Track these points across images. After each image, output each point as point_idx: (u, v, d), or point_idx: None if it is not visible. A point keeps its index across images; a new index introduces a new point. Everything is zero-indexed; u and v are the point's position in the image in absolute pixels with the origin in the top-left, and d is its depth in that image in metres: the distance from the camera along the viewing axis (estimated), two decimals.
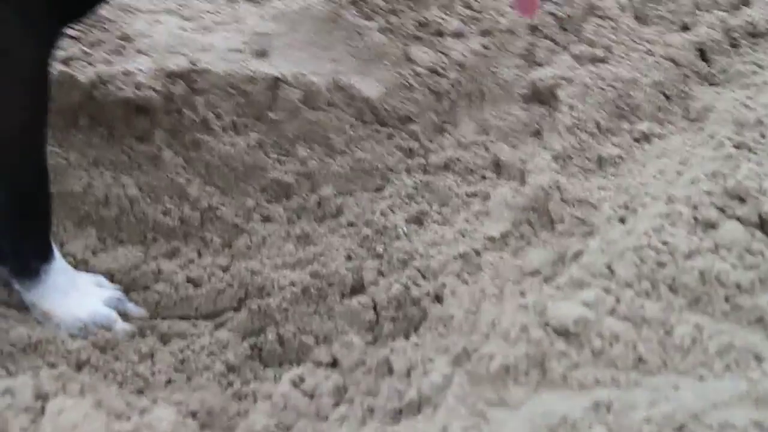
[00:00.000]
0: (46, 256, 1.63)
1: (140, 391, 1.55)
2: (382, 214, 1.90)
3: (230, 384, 1.60)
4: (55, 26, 1.52)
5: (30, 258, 1.61)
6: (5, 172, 1.55)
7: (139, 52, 2.12)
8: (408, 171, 2.01)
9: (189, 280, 1.78)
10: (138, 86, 1.96)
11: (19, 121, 1.52)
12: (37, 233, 1.62)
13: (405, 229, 1.87)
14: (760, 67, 1.94)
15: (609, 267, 1.52)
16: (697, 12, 2.17)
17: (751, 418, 1.28)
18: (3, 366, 1.51)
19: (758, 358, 1.37)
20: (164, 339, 1.68)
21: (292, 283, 1.74)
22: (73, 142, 1.89)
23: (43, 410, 1.22)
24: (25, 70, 1.50)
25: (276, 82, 2.03)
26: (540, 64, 2.14)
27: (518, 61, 2.15)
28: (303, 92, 2.03)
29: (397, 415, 1.40)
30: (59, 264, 1.65)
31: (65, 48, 2.05)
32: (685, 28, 2.15)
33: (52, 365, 1.52)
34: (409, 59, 2.12)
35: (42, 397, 1.25)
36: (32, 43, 1.49)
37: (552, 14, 2.16)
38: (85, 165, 1.89)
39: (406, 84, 2.10)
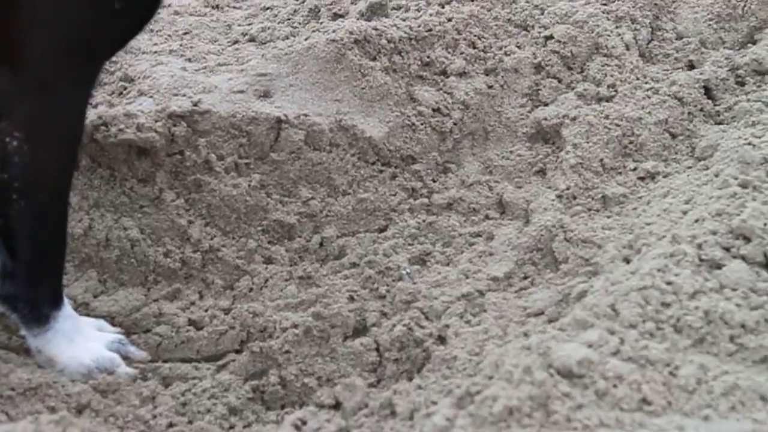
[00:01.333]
0: (57, 303, 1.63)
1: None
2: (385, 254, 1.90)
3: (232, 427, 1.60)
4: (95, 72, 1.54)
5: (42, 304, 1.61)
6: (42, 219, 1.56)
7: (141, 93, 2.13)
8: (411, 211, 2.01)
9: (191, 322, 1.79)
10: (140, 128, 1.96)
11: (62, 169, 1.55)
12: (52, 280, 1.62)
13: (408, 269, 1.87)
14: (766, 105, 1.94)
15: (613, 307, 1.52)
16: (703, 50, 2.18)
17: None
18: (3, 410, 1.51)
19: (764, 399, 1.37)
20: (166, 382, 1.68)
21: (295, 325, 1.73)
22: (75, 184, 1.88)
23: None
24: (74, 121, 1.52)
25: (279, 123, 2.03)
26: (545, 103, 2.14)
27: (522, 100, 2.15)
28: (306, 133, 2.03)
29: None
30: (67, 310, 1.65)
31: None
32: (691, 66, 2.16)
33: (53, 409, 1.52)
34: (413, 99, 2.13)
35: None
36: (83, 96, 1.51)
37: (556, 52, 2.17)
38: (86, 207, 1.90)
39: (410, 124, 2.10)
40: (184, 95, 2.10)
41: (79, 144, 1.56)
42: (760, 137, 1.82)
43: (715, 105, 2.05)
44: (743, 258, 1.57)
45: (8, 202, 1.52)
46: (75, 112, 1.51)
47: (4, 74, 1.43)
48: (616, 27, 2.19)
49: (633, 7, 2.24)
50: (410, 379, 1.65)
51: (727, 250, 1.58)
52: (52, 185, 1.55)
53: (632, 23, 2.22)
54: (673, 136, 2.01)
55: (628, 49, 2.17)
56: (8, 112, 1.45)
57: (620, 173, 1.97)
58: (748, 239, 1.59)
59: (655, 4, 2.25)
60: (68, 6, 1.39)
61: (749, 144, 1.81)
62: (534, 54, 2.19)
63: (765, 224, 1.59)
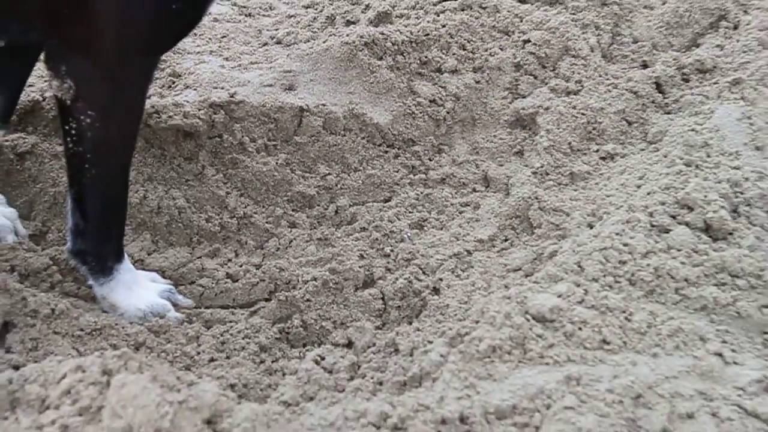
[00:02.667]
0: (119, 258, 1.63)
1: (188, 368, 1.55)
2: (389, 220, 1.91)
3: (262, 362, 1.61)
4: (154, 64, 1.54)
5: (107, 259, 1.62)
6: (109, 185, 1.56)
7: (187, 86, 2.13)
8: (411, 185, 2.02)
9: (227, 275, 1.79)
10: (186, 115, 1.96)
11: (127, 143, 1.54)
12: (115, 238, 1.62)
13: (409, 233, 1.88)
14: (707, 98, 1.94)
15: (579, 264, 1.52)
16: (655, 52, 2.17)
17: (696, 389, 1.29)
18: (74, 347, 1.52)
19: (702, 339, 1.38)
20: (207, 324, 1.69)
21: (314, 278, 1.74)
22: (132, 161, 1.90)
23: (108, 384, 1.22)
24: (137, 103, 1.52)
25: (301, 111, 2.04)
26: (522, 96, 2.14)
27: (504, 93, 2.15)
28: (324, 119, 2.04)
29: (402, 387, 1.40)
30: (127, 264, 1.66)
31: None
32: (645, 65, 2.15)
33: (115, 347, 1.53)
34: (413, 92, 2.13)
35: (107, 372, 1.24)
36: (145, 82, 1.51)
37: (533, 54, 2.16)
38: (142, 180, 1.90)
39: (410, 112, 2.10)
40: (222, 88, 2.10)
41: (140, 122, 1.56)
42: (701, 125, 1.82)
43: (664, 98, 2.05)
44: (687, 224, 1.57)
45: (81, 170, 1.52)
46: (138, 96, 1.51)
47: (81, 62, 1.42)
48: (583, 33, 2.18)
49: (597, 16, 2.23)
50: (410, 323, 1.66)
51: (674, 217, 1.58)
52: (118, 157, 1.54)
53: (596, 29, 2.21)
54: (629, 123, 2.01)
55: (592, 51, 2.17)
56: (83, 94, 1.44)
57: (585, 154, 1.97)
58: (691, 209, 1.59)
59: (615, 14, 2.24)
60: (136, 10, 1.38)
61: (692, 130, 1.81)
62: (514, 55, 2.19)
63: (705, 196, 1.59)
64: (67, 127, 1.48)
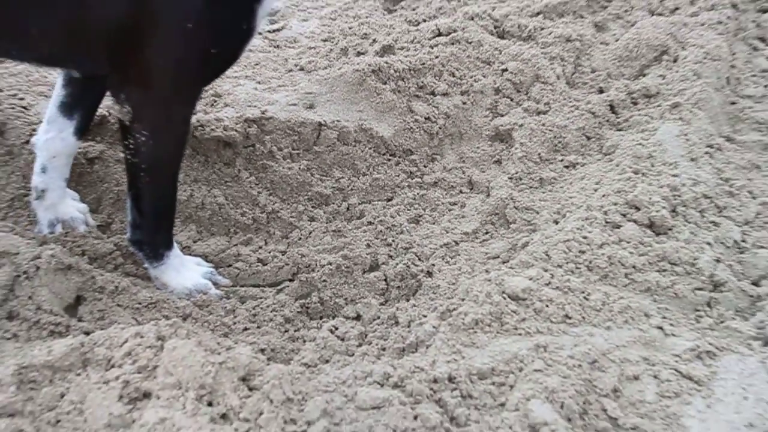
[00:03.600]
0: (169, 246, 1.64)
1: (226, 335, 1.56)
2: (391, 216, 1.91)
3: (287, 331, 1.62)
4: (198, 94, 1.54)
5: (160, 246, 1.62)
6: (160, 189, 1.56)
7: (226, 104, 2.12)
8: (409, 187, 2.02)
9: (258, 260, 1.80)
10: (225, 128, 1.96)
11: (174, 157, 1.54)
12: (166, 229, 1.63)
13: (407, 226, 1.88)
14: (651, 118, 1.94)
15: (546, 253, 1.52)
16: (609, 80, 2.17)
17: (641, 355, 1.29)
18: (134, 318, 1.53)
19: (647, 315, 1.38)
20: (242, 300, 1.70)
21: (329, 263, 1.75)
22: (181, 167, 1.91)
23: (162, 347, 1.22)
24: (183, 126, 1.52)
25: (320, 126, 2.04)
26: (501, 115, 2.14)
27: (486, 113, 2.15)
28: (338, 133, 2.04)
29: (401, 352, 1.41)
30: (176, 251, 1.66)
31: None
32: (601, 90, 2.15)
33: (166, 317, 1.54)
34: (411, 111, 2.13)
35: (161, 338, 1.25)
36: (189, 109, 1.51)
37: (509, 80, 2.16)
38: (189, 181, 1.90)
39: (409, 127, 2.10)
40: (255, 106, 2.10)
41: (186, 139, 1.56)
42: (647, 140, 1.82)
43: (617, 117, 2.05)
44: (634, 221, 1.57)
45: (138, 177, 1.52)
46: (183, 120, 1.50)
47: (137, 92, 1.42)
48: (550, 64, 2.18)
49: (562, 50, 2.23)
50: (408, 300, 1.67)
51: (624, 215, 1.59)
52: (167, 167, 1.54)
53: (561, 61, 2.21)
54: (588, 138, 2.01)
55: (558, 78, 2.17)
56: (139, 117, 1.44)
57: (552, 163, 1.97)
58: (638, 208, 1.59)
59: (577, 48, 2.24)
60: (183, 53, 1.38)
61: (639, 144, 1.81)
62: (494, 81, 2.18)
63: (649, 198, 1.60)
64: (126, 142, 1.48)
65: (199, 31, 1.35)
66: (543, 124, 2.02)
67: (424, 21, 2.41)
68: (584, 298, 1.41)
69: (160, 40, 1.35)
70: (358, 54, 2.35)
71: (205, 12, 1.33)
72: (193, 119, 1.94)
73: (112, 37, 1.35)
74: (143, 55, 1.37)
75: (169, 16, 1.33)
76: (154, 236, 1.61)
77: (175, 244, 1.67)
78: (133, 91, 1.43)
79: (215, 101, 2.16)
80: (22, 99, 1.91)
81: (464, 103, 2.16)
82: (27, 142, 1.76)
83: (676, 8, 2.19)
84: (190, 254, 1.75)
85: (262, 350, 1.49)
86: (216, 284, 1.70)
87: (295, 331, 1.61)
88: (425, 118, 2.12)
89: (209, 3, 1.33)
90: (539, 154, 1.98)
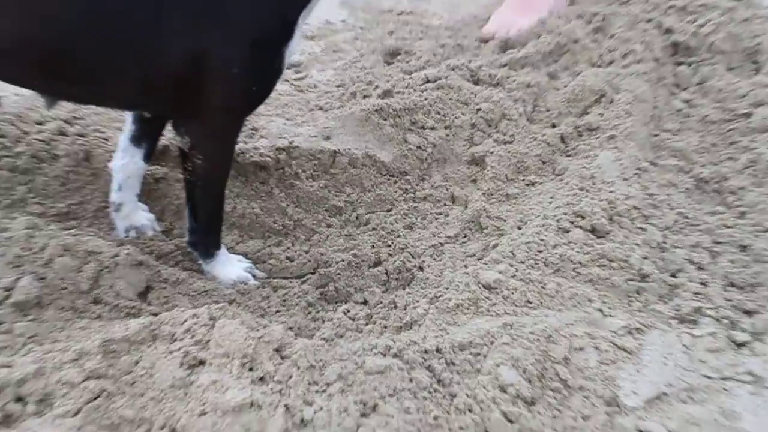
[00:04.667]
0: (218, 246, 1.65)
1: (262, 316, 1.58)
2: (390, 223, 1.92)
3: (309, 313, 1.63)
4: (241, 124, 1.57)
5: (210, 247, 1.64)
6: (211, 202, 1.58)
7: (261, 136, 2.13)
8: (404, 200, 2.02)
9: (287, 258, 1.81)
10: (261, 155, 1.97)
11: (223, 176, 1.56)
12: (215, 233, 1.64)
13: (403, 231, 1.89)
14: (592, 147, 1.94)
15: (512, 252, 1.54)
16: (560, 117, 2.17)
17: (585, 331, 1.30)
18: (191, 303, 1.55)
19: (590, 300, 1.39)
20: (274, 289, 1.70)
21: (342, 260, 1.76)
22: (227, 185, 1.91)
23: (213, 325, 1.24)
24: (230, 152, 1.55)
25: (334, 153, 2.05)
26: (476, 144, 2.14)
27: (464, 143, 2.15)
28: (349, 158, 2.04)
29: (399, 330, 1.42)
30: (223, 250, 1.68)
31: None
32: (554, 125, 2.16)
33: (217, 302, 1.55)
34: (406, 141, 2.13)
35: (213, 318, 1.26)
36: (235, 138, 1.54)
37: (483, 118, 2.17)
38: (232, 197, 1.91)
39: (404, 154, 2.11)
40: (284, 138, 2.11)
41: (232, 162, 1.58)
42: (590, 164, 1.83)
43: (566, 147, 2.05)
44: (580, 227, 1.59)
45: (194, 192, 1.54)
46: (230, 147, 1.53)
47: (195, 126, 1.45)
48: (514, 104, 2.19)
49: (523, 94, 2.23)
50: (404, 289, 1.68)
51: (572, 223, 1.60)
52: (217, 185, 1.56)
53: (523, 102, 2.22)
54: (544, 163, 2.02)
55: (520, 116, 2.18)
56: (196, 146, 1.46)
57: (516, 182, 1.98)
58: (583, 217, 1.60)
59: (535, 93, 2.24)
60: (232, 92, 1.40)
61: (584, 167, 1.82)
62: (471, 118, 2.19)
63: (592, 210, 1.61)
64: (185, 165, 1.51)
65: (243, 75, 1.38)
66: (509, 152, 2.04)
67: (416, 71, 2.42)
68: (541, 287, 1.42)
69: (213, 86, 1.38)
70: (364, 97, 2.37)
71: (246, 60, 1.36)
72: (236, 148, 1.96)
73: (176, 88, 1.37)
74: (200, 99, 1.39)
75: (220, 67, 1.35)
76: (206, 239, 1.63)
77: (222, 245, 1.68)
78: (191, 126, 1.45)
79: (253, 134, 2.17)
80: (103, 132, 1.93)
81: (447, 135, 2.17)
82: (106, 166, 1.78)
83: (612, 61, 2.21)
84: (233, 253, 1.77)
85: (291, 328, 1.50)
86: (254, 276, 1.71)
87: (316, 313, 1.62)
88: (417, 147, 2.13)
89: (250, 52, 1.36)
90: (506, 174, 1.99)
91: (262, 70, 1.41)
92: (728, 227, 1.62)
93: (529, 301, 1.38)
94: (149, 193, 1.83)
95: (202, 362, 1.19)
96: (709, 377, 1.24)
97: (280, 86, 2.51)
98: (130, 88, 1.39)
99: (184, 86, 1.37)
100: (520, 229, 1.68)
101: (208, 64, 1.34)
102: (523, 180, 1.98)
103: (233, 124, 1.50)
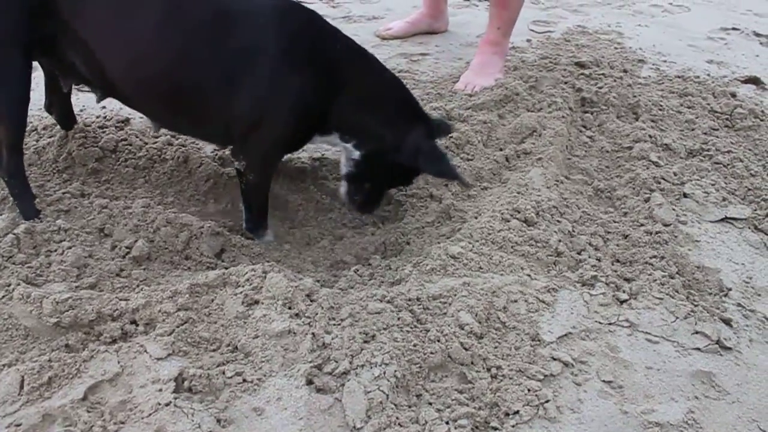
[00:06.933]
0: (265, 228, 1.60)
1: (299, 272, 1.50)
2: (388, 212, 1.84)
3: (331, 270, 1.57)
4: (280, 160, 1.59)
5: (259, 228, 1.59)
6: (258, 201, 1.55)
7: (303, 150, 2.06)
8: (397, 197, 1.92)
9: (319, 233, 1.73)
10: (302, 162, 1.90)
11: (266, 186, 1.54)
12: (263, 219, 1.59)
13: (396, 218, 1.83)
14: (527, 165, 1.84)
15: (470, 234, 1.49)
16: (505, 144, 2.02)
17: (519, 290, 1.27)
18: (251, 261, 1.49)
19: (522, 268, 1.36)
20: (307, 254, 1.63)
21: (354, 236, 1.69)
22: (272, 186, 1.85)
23: (265, 277, 1.22)
24: (271, 173, 1.55)
25: None
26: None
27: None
28: None
29: (392, 284, 1.38)
30: (269, 231, 1.62)
31: None
32: (501, 149, 2.01)
33: (267, 261, 1.50)
34: None
35: (265, 272, 1.24)
36: (276, 164, 1.56)
37: (453, 143, 2.06)
38: (283, 191, 1.83)
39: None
40: (317, 151, 2.04)
41: (273, 177, 1.56)
42: (524, 177, 1.76)
43: (509, 164, 1.96)
44: (517, 219, 1.52)
45: (247, 195, 1.53)
46: (273, 169, 1.55)
47: (249, 155, 1.45)
48: (475, 134, 2.07)
49: (481, 127, 2.10)
50: (396, 257, 1.62)
51: (512, 215, 1.54)
52: (262, 191, 1.54)
53: (481, 133, 2.09)
54: (494, 174, 1.90)
55: (479, 142, 2.09)
56: (248, 168, 1.47)
57: (475, 188, 1.89)
58: (519, 212, 1.54)
59: (489, 127, 2.13)
60: (276, 139, 1.43)
61: (521, 179, 1.75)
62: (445, 143, 2.05)
63: (525, 206, 1.55)
64: (240, 179, 1.50)
65: (287, 124, 1.40)
66: (470, 166, 1.97)
67: None
68: (489, 259, 1.38)
69: (266, 128, 1.38)
70: None
71: (291, 114, 1.38)
72: (285, 158, 1.91)
73: (240, 127, 1.39)
74: (254, 135, 1.40)
75: (272, 116, 1.37)
76: (257, 223, 1.58)
77: (269, 226, 1.63)
78: (247, 154, 1.45)
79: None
80: (196, 143, 1.88)
81: None
82: (200, 166, 1.73)
83: (541, 108, 2.15)
84: (279, 229, 1.71)
85: (318, 281, 1.45)
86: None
87: (336, 271, 1.57)
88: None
89: (293, 109, 1.38)
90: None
91: (297, 133, 1.45)
92: (615, 222, 1.59)
93: (480, 268, 1.35)
94: (224, 187, 1.77)
95: (256, 302, 1.17)
96: (600, 323, 1.24)
97: None
98: (216, 126, 1.42)
99: (247, 126, 1.38)
100: (476, 218, 1.64)
101: (265, 114, 1.37)
102: (480, 186, 1.93)
103: (275, 158, 1.53)
